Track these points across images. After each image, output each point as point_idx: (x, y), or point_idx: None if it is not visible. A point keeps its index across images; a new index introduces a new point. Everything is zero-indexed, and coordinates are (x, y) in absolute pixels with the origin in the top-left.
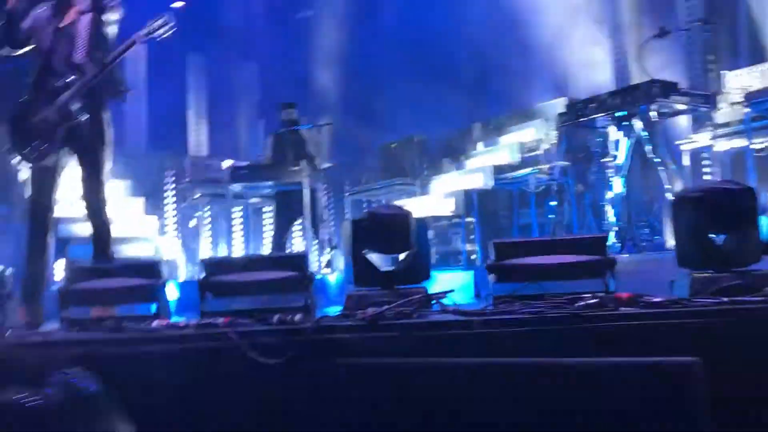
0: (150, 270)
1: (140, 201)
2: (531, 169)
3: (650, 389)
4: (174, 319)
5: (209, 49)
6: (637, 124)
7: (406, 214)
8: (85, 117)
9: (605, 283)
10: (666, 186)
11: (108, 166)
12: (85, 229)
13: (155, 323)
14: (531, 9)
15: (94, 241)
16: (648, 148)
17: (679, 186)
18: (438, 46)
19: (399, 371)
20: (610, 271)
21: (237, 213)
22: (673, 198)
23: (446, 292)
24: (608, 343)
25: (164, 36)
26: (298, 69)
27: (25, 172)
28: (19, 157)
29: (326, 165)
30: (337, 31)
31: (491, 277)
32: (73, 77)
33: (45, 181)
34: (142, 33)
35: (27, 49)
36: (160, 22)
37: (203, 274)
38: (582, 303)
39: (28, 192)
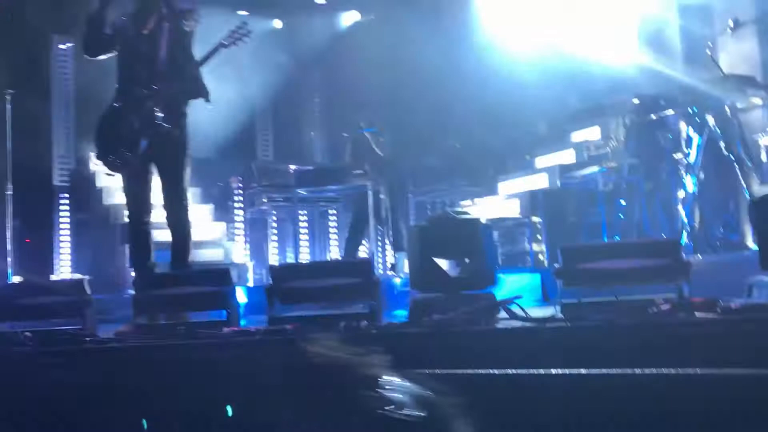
0: (221, 277)
1: (208, 208)
2: (598, 167)
3: (731, 402)
4: (243, 324)
5: (272, 54)
6: (710, 120)
7: (474, 220)
8: (168, 126)
9: (679, 288)
10: (742, 184)
11: (188, 173)
12: (159, 235)
13: (226, 329)
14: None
15: (173, 248)
16: (722, 144)
17: (756, 183)
18: (500, 42)
19: (468, 382)
20: (685, 275)
21: (303, 216)
22: (756, 197)
23: (513, 298)
24: (684, 352)
25: (244, 42)
26: (360, 71)
27: (103, 179)
28: (103, 164)
29: (390, 167)
30: (395, 33)
31: (560, 283)
32: (156, 86)
33: (138, 188)
34: (225, 40)
35: (107, 56)
36: (241, 29)
37: (271, 281)
38: (655, 309)
39: (107, 199)
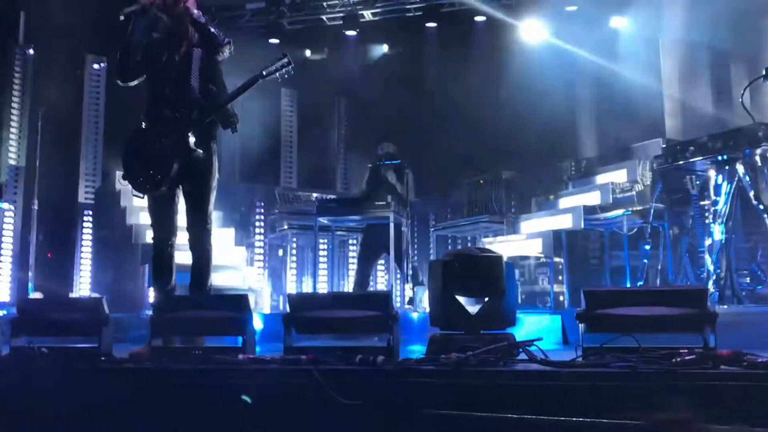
0: (239, 303)
1: (230, 232)
2: (624, 210)
3: None
4: (258, 352)
5: (300, 83)
6: (740, 168)
7: (497, 258)
8: (200, 151)
9: (705, 339)
10: None
11: (214, 197)
12: (180, 257)
13: (241, 357)
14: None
15: (193, 272)
16: (751, 194)
17: None
18: (529, 80)
19: (483, 426)
20: (711, 325)
21: (323, 244)
22: None
23: (533, 340)
24: (707, 405)
25: (284, 76)
26: (386, 104)
27: (127, 198)
28: (130, 186)
29: (413, 200)
30: (423, 67)
31: (581, 327)
32: (188, 111)
33: (164, 210)
34: (265, 71)
35: (138, 81)
36: (282, 61)
37: (288, 309)
38: (679, 359)
39: (130, 218)
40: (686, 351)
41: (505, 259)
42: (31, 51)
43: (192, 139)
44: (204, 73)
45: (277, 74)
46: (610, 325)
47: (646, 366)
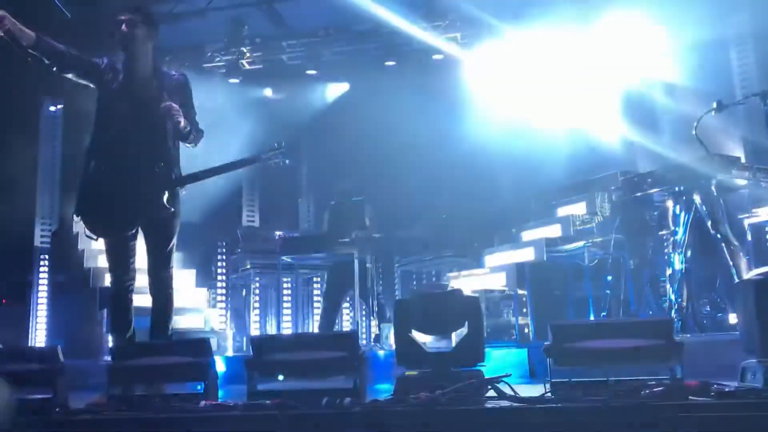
0: (199, 348)
1: (192, 273)
2: (584, 242)
3: None
4: (221, 397)
5: (261, 121)
6: (697, 198)
7: (453, 293)
8: (172, 209)
9: (671, 370)
10: (729, 263)
11: (175, 240)
12: (140, 300)
13: (203, 403)
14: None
15: (154, 316)
16: (708, 223)
17: (743, 262)
18: (489, 116)
19: None
20: (677, 356)
21: (287, 283)
22: (740, 281)
23: (502, 377)
24: None
25: (278, 164)
26: (349, 141)
27: (85, 241)
28: (84, 226)
29: (376, 236)
30: (384, 105)
31: (550, 361)
32: (167, 167)
33: (122, 253)
34: (263, 155)
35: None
36: (278, 151)
37: (251, 353)
38: (647, 391)
39: (87, 261)
40: (654, 383)
41: (471, 294)
42: None
43: (166, 197)
44: (174, 126)
45: (271, 162)
46: (578, 358)
47: (616, 400)
